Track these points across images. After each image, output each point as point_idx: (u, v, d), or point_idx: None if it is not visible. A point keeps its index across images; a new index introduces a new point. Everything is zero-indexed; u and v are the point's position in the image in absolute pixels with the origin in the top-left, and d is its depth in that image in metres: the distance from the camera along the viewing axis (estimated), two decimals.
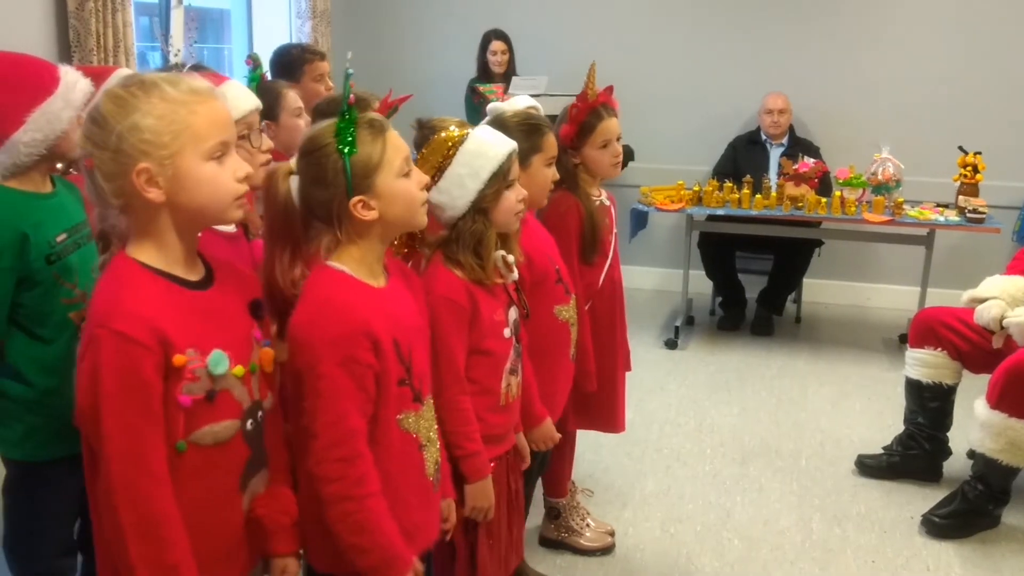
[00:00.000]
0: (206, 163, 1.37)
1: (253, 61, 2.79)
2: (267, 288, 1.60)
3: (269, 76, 3.02)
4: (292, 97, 2.80)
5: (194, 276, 1.44)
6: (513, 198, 1.94)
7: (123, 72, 2.17)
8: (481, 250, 1.91)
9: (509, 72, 5.56)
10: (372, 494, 1.52)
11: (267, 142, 2.06)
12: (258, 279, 1.60)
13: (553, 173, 2.30)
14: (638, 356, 3.05)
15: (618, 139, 2.61)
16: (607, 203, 2.70)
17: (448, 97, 5.53)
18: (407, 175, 1.57)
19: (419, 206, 1.61)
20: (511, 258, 1.97)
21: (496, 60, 5.53)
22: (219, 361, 1.39)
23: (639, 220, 4.84)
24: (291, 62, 3.34)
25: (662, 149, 5.67)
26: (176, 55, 4.18)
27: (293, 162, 1.57)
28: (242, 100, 2.01)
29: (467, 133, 1.90)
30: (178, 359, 1.33)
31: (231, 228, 1.88)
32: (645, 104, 5.63)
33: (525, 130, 2.21)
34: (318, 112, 2.53)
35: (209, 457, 1.41)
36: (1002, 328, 3.14)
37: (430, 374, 1.70)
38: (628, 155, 5.44)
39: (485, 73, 5.57)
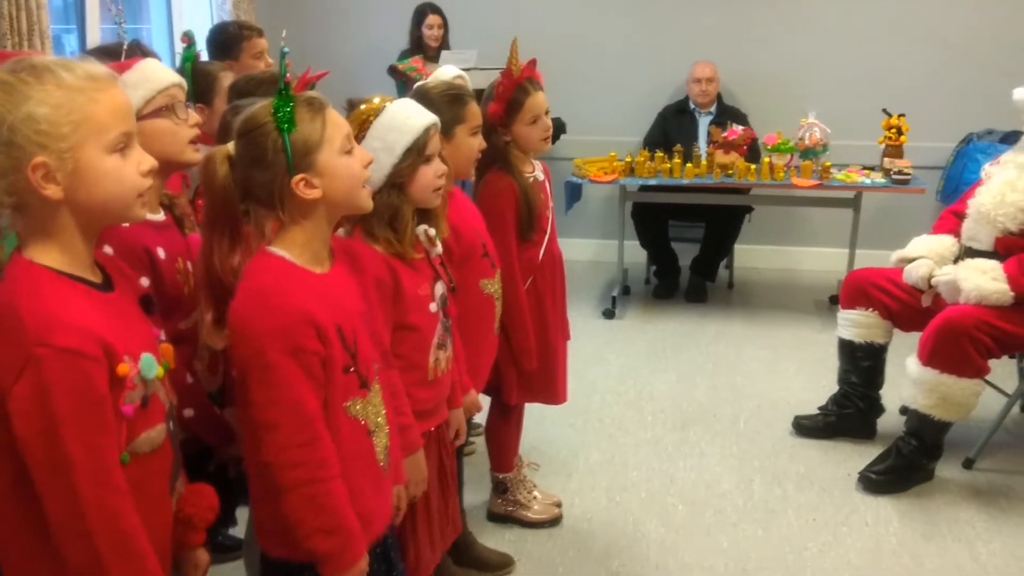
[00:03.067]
0: (108, 156, 1.28)
1: (188, 39, 2.69)
2: (205, 275, 1.55)
3: (205, 55, 2.91)
4: (228, 81, 2.70)
5: (98, 278, 1.36)
6: (431, 174, 1.90)
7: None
8: (397, 224, 1.88)
9: (444, 47, 5.50)
10: (335, 476, 1.50)
11: (194, 116, 2.01)
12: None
13: (479, 143, 2.28)
14: (577, 327, 3.07)
15: (547, 113, 2.59)
16: (541, 178, 2.68)
17: (378, 73, 5.44)
18: (349, 152, 1.54)
19: (362, 185, 1.57)
20: (433, 232, 1.95)
21: (432, 35, 5.46)
22: (151, 365, 1.34)
23: (573, 192, 4.85)
24: (228, 40, 3.22)
25: (593, 121, 5.68)
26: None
27: (231, 146, 1.52)
28: (161, 73, 1.95)
29: (384, 106, 1.87)
30: (122, 368, 1.27)
31: (160, 216, 1.83)
32: (576, 76, 5.63)
33: (447, 100, 2.19)
34: (235, 90, 2.46)
35: (146, 465, 1.36)
36: (931, 286, 3.23)
37: (377, 360, 1.68)
38: (560, 128, 5.43)
39: (418, 48, 5.49)
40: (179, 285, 1.81)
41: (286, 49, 1.53)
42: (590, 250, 5.93)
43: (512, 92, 2.52)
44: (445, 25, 5.51)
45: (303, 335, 1.46)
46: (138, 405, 1.32)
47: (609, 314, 4.94)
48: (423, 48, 5.46)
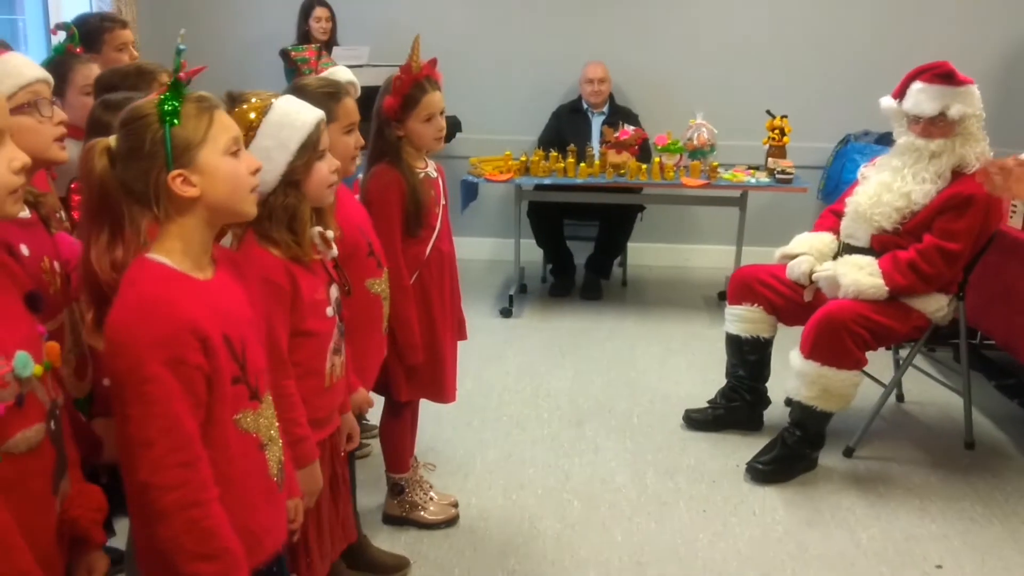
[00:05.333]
0: None
1: (68, 31, 2.55)
2: (84, 273, 1.49)
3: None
4: (83, 73, 2.59)
5: None
6: (325, 169, 1.87)
7: None
8: (296, 226, 1.84)
9: (332, 41, 5.43)
10: (215, 498, 1.42)
11: (59, 114, 1.94)
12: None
13: (356, 139, 2.23)
14: (474, 326, 3.07)
15: (442, 113, 2.58)
16: (434, 175, 2.67)
17: (267, 67, 5.34)
18: (235, 155, 1.49)
19: (247, 191, 1.51)
20: (330, 233, 1.92)
21: (320, 28, 5.38)
22: (26, 363, 1.30)
23: (469, 191, 4.86)
24: (89, 32, 3.09)
25: (489, 119, 5.69)
26: None
27: (112, 139, 1.46)
28: (25, 68, 1.89)
29: (271, 103, 1.82)
30: None
31: (25, 213, 1.75)
32: (471, 75, 5.62)
33: (321, 96, 2.13)
34: (100, 84, 2.37)
35: (23, 465, 1.32)
36: (812, 282, 3.35)
37: (267, 370, 1.62)
38: (455, 126, 5.43)
39: (306, 42, 5.40)
40: (45, 284, 1.74)
41: (182, 47, 1.49)
42: (487, 249, 5.94)
43: (409, 88, 2.50)
44: (333, 18, 5.45)
45: (185, 346, 1.38)
46: (11, 404, 1.28)
47: (506, 313, 4.96)
48: (311, 42, 5.38)
